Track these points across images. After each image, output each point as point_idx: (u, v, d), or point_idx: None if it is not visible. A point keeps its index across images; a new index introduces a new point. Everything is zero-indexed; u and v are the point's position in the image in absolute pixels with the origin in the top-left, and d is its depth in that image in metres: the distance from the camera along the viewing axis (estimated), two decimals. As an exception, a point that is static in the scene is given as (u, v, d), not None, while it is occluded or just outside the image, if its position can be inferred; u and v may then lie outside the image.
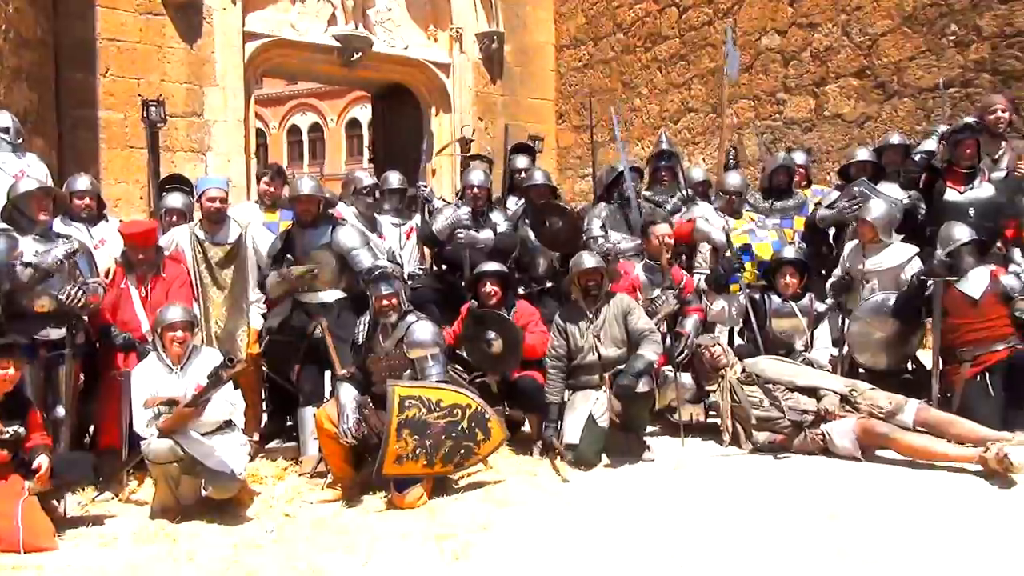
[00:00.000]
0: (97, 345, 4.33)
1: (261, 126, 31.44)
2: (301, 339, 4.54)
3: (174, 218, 5.05)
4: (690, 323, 4.80)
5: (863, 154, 5.68)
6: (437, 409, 3.89)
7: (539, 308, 4.91)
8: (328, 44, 10.12)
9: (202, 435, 3.71)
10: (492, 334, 4.49)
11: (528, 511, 3.58)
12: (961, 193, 4.97)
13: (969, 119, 5.30)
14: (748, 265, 5.16)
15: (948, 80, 7.48)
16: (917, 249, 4.92)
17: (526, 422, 4.74)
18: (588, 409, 4.26)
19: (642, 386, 4.15)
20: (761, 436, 4.20)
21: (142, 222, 5.31)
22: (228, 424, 3.89)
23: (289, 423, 4.96)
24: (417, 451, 3.82)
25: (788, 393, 4.25)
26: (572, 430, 4.23)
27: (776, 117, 9.11)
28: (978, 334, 4.38)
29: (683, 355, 4.65)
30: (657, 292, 4.80)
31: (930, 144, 5.35)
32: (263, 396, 5.11)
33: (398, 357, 4.12)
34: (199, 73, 9.08)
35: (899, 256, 4.92)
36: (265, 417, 5.11)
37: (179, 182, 5.64)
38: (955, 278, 4.43)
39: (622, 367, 4.24)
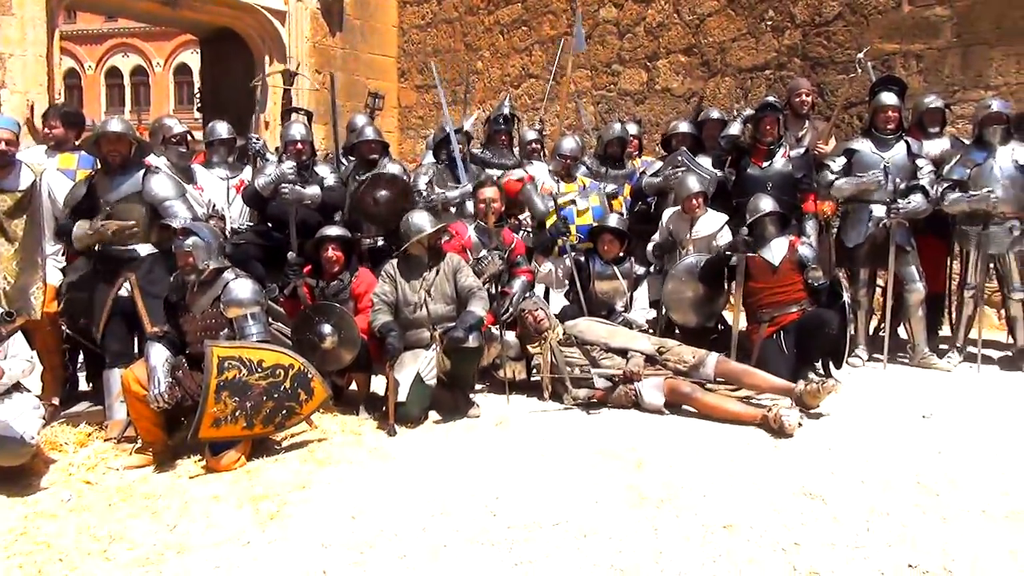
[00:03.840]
0: None
1: (74, 65, 28.69)
2: (105, 295, 4.22)
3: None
4: (517, 284, 4.91)
5: (683, 127, 6.01)
6: (258, 370, 3.76)
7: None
8: (147, -22, 9.35)
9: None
10: (327, 328, 4.24)
11: (350, 469, 3.56)
12: (762, 168, 5.39)
13: (770, 98, 5.76)
14: (572, 228, 5.35)
15: (764, 62, 8.07)
16: (727, 218, 5.31)
17: (352, 383, 4.69)
18: (416, 368, 4.27)
19: (472, 341, 4.19)
20: (580, 392, 4.40)
21: None
22: (16, 387, 3.56)
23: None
24: (236, 413, 3.68)
25: (604, 353, 4.48)
26: (400, 388, 4.22)
27: (611, 88, 9.42)
28: (775, 297, 4.81)
29: (508, 314, 4.76)
30: (484, 253, 4.87)
31: (735, 129, 5.76)
32: (67, 358, 4.76)
33: (215, 316, 3.94)
34: (-9, -1, 8.08)
35: (712, 225, 5.30)
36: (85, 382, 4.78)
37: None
38: (754, 253, 4.82)
39: (451, 324, 4.29)
